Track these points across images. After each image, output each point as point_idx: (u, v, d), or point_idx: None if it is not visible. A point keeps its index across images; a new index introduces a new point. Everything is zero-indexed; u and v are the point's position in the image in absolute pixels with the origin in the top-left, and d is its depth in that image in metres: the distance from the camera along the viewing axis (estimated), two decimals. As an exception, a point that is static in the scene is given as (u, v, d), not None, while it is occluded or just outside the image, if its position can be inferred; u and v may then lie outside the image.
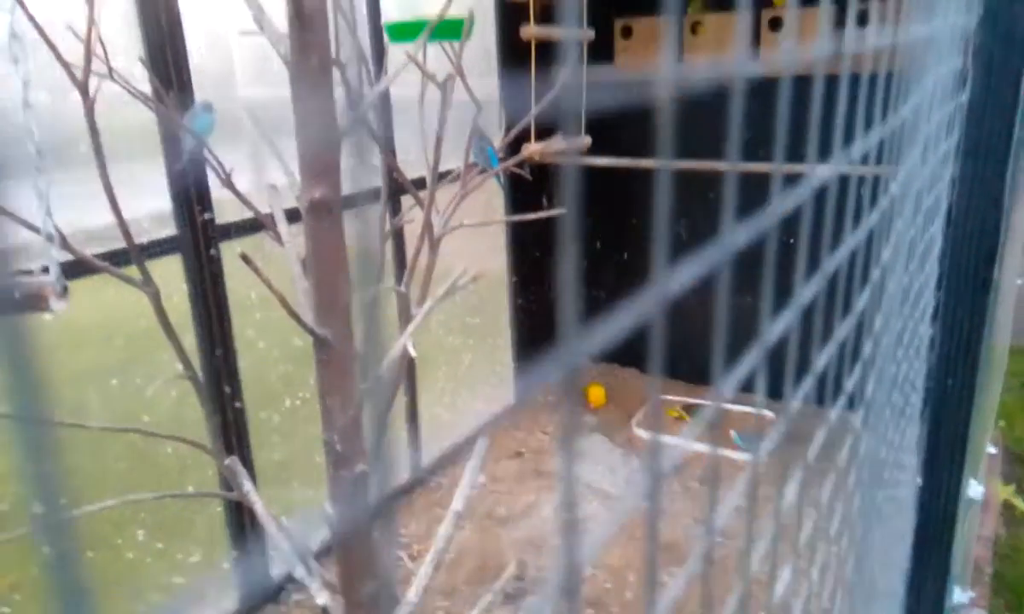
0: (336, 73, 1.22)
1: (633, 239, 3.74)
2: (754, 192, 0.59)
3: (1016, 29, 0.90)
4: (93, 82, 1.13)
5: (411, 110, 1.62)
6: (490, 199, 3.15)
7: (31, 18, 0.79)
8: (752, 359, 0.33)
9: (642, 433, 3.23)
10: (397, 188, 2.40)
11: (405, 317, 1.65)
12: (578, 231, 0.21)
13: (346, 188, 1.15)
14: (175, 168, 1.84)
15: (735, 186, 0.31)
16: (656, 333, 0.25)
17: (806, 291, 0.39)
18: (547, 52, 2.94)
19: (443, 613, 2.31)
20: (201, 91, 1.91)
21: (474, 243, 3.18)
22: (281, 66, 1.12)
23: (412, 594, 1.43)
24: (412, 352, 1.45)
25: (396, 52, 1.84)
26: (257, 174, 2.54)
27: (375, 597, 1.30)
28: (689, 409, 3.29)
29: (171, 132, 1.76)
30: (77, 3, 1.23)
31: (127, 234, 1.19)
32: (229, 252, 2.06)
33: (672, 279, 0.25)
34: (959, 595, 1.32)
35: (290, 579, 2.31)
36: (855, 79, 0.46)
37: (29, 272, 1.60)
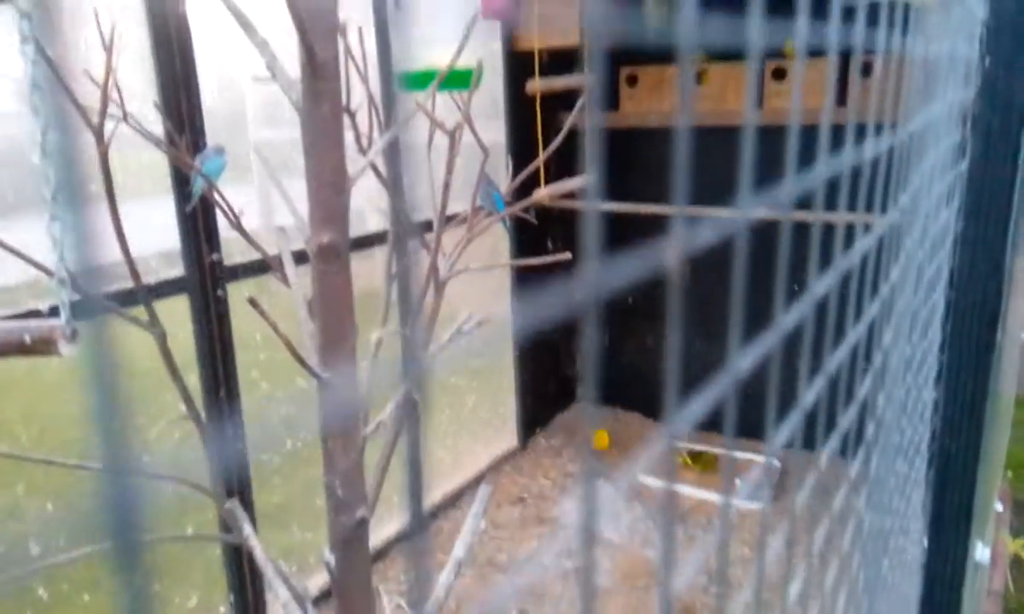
0: (346, 118, 1.24)
1: (637, 283, 3.74)
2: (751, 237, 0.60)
3: (1014, 99, 0.92)
4: (108, 126, 1.15)
5: (420, 152, 1.64)
6: (496, 242, 3.17)
7: (53, 70, 0.81)
8: (724, 400, 0.33)
9: (646, 479, 3.20)
10: (403, 230, 2.42)
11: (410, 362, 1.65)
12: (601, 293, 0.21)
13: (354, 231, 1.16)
14: (185, 210, 1.85)
15: (746, 234, 0.31)
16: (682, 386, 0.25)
17: (809, 392, 0.39)
18: (552, 100, 2.99)
19: (442, 663, 2.27)
20: (212, 133, 1.94)
21: (479, 285, 3.20)
22: (292, 109, 1.14)
23: (412, 644, 1.40)
24: (416, 396, 1.44)
25: (405, 98, 1.87)
26: (265, 215, 2.57)
27: (374, 647, 1.28)
28: (694, 456, 3.26)
29: (182, 174, 1.78)
30: (94, 44, 1.26)
31: (136, 275, 1.20)
32: (236, 292, 2.07)
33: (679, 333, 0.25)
34: (970, 655, 1.29)
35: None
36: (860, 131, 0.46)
37: (38, 313, 1.61)
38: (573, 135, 1.97)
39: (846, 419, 0.47)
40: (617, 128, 3.33)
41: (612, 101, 3.35)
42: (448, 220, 1.64)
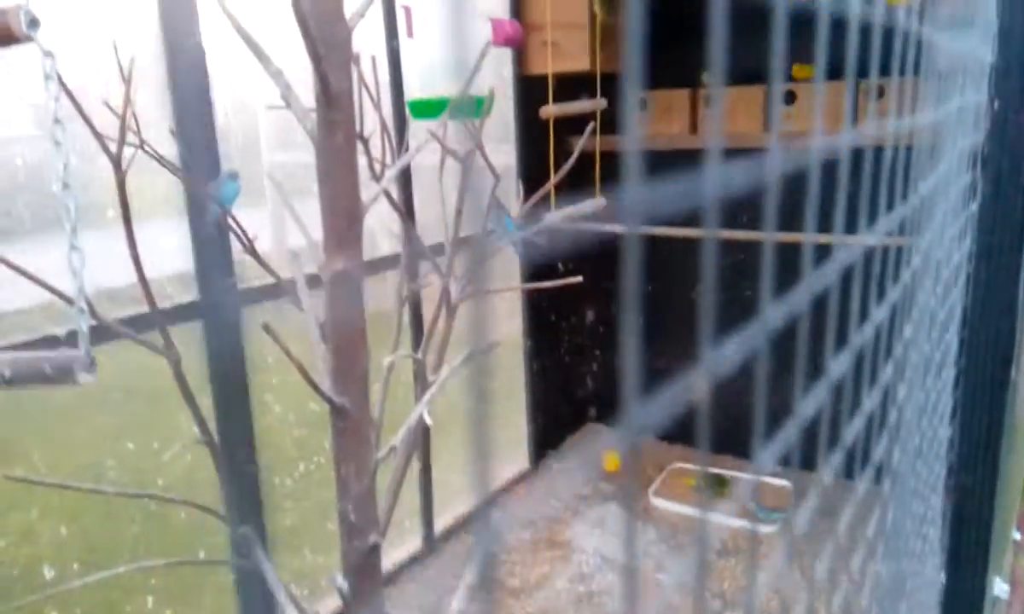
0: (359, 144, 1.25)
1: (650, 305, 3.74)
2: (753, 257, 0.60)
3: (1023, 141, 0.92)
4: (125, 153, 1.17)
5: (431, 175, 1.66)
6: (506, 264, 3.18)
7: (76, 106, 0.83)
8: (779, 430, 0.33)
9: (659, 502, 3.17)
10: (415, 254, 2.43)
11: (422, 384, 1.66)
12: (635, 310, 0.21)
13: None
14: (199, 235, 1.88)
15: (767, 255, 0.31)
16: (703, 410, 0.25)
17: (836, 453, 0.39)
18: (562, 123, 3.00)
19: (454, 689, 2.25)
20: (226, 155, 1.96)
21: (490, 306, 3.20)
22: (305, 134, 1.15)
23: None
24: (428, 421, 1.45)
25: (418, 123, 1.89)
26: (278, 236, 2.59)
27: (386, 674, 1.28)
28: (707, 479, 3.23)
29: (197, 200, 1.80)
30: (111, 69, 1.29)
31: (151, 302, 1.21)
32: (249, 316, 2.08)
33: (716, 355, 0.25)
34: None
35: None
36: (877, 157, 0.47)
37: (56, 339, 1.63)
38: (582, 158, 1.98)
39: (861, 482, 0.47)
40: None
41: (621, 125, 3.36)
42: (460, 242, 1.65)
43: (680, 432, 3.66)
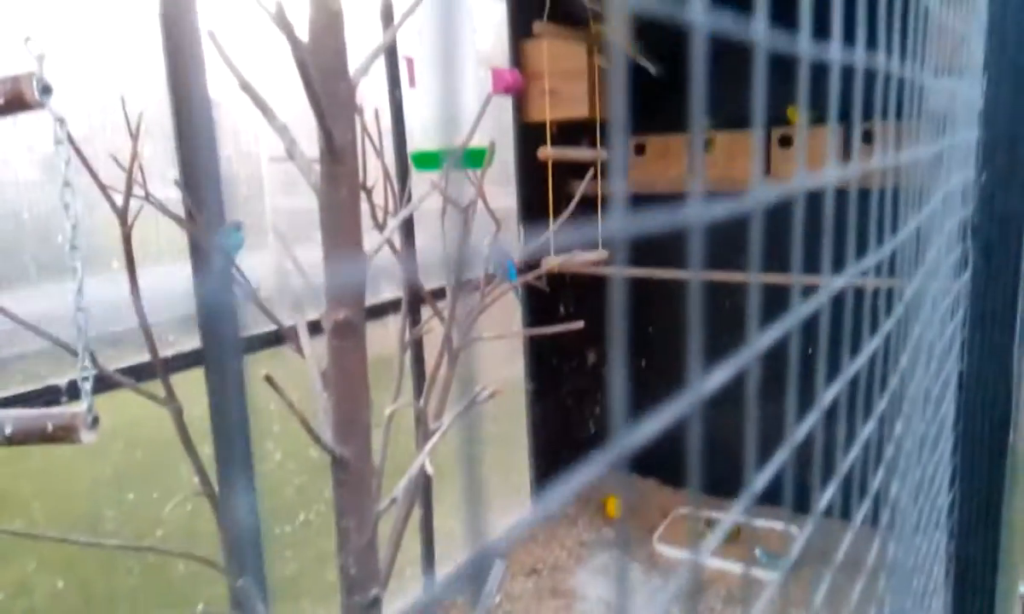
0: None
1: (650, 347, 3.74)
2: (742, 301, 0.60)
3: (1011, 211, 0.94)
4: (130, 206, 1.19)
5: (433, 218, 1.67)
6: (508, 308, 3.19)
7: (83, 160, 0.84)
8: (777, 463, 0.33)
9: (664, 549, 3.13)
10: (417, 299, 2.44)
11: (423, 431, 1.65)
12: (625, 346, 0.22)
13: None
14: (203, 284, 1.88)
15: (757, 295, 0.32)
16: (693, 445, 0.25)
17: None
18: (562, 168, 3.04)
19: None
20: (230, 201, 1.98)
21: (491, 350, 3.20)
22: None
23: None
24: (430, 470, 1.44)
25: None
26: (280, 280, 2.60)
27: None
28: (712, 524, 3.19)
29: (200, 249, 1.82)
30: (118, 117, 1.31)
31: (155, 354, 1.21)
32: (251, 363, 2.08)
33: (703, 385, 0.26)
34: None
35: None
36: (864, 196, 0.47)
37: (57, 389, 1.63)
38: (582, 202, 2.00)
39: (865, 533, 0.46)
40: (632, 194, 3.38)
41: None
42: (462, 286, 1.65)
43: (684, 476, 3.62)
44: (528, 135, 3.13)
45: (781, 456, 0.34)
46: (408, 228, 2.55)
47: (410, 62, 1.92)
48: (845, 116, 0.52)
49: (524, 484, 3.48)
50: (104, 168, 1.21)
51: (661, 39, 2.92)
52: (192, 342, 1.94)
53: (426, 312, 2.34)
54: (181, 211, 1.49)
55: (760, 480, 0.32)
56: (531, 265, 2.23)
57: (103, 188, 1.14)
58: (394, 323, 2.60)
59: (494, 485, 3.32)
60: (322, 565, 2.40)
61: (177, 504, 1.92)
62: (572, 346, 3.69)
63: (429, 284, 2.51)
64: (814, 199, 0.41)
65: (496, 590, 1.47)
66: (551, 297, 3.15)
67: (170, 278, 1.99)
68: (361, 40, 1.27)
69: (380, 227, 1.49)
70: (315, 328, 1.54)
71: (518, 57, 3.08)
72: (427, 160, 1.53)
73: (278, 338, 1.98)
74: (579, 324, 1.88)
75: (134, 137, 1.09)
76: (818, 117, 2.93)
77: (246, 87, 1.15)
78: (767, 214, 0.37)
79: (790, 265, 0.39)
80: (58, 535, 1.28)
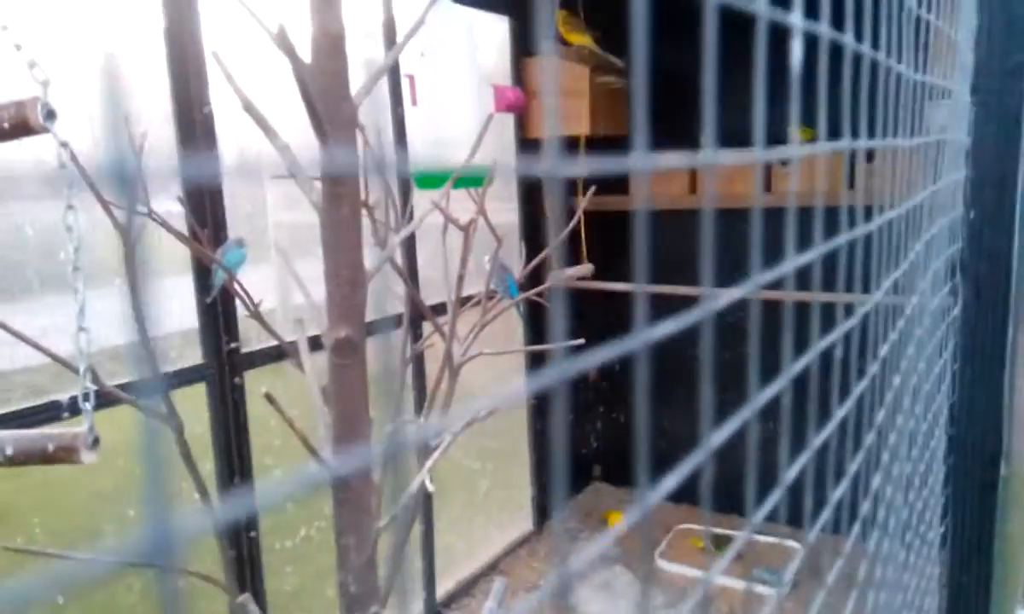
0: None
1: (652, 361, 3.74)
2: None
3: (999, 248, 0.95)
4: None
5: (434, 233, 1.67)
6: (509, 323, 3.19)
7: (86, 177, 0.85)
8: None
9: (666, 565, 3.11)
10: (418, 315, 2.45)
11: (424, 449, 1.65)
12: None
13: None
14: (206, 300, 1.89)
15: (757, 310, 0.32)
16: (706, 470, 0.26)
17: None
18: (564, 185, 3.04)
19: None
20: (232, 212, 1.98)
21: (493, 364, 3.20)
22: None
23: None
24: (430, 487, 1.43)
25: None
26: (283, 295, 2.61)
27: None
28: (715, 540, 3.18)
29: (203, 264, 1.83)
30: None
31: (156, 371, 1.22)
32: (252, 379, 2.08)
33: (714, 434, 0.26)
34: None
35: None
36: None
37: (58, 404, 1.64)
38: (583, 218, 2.01)
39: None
40: (627, 210, 3.39)
41: (622, 185, 3.42)
42: (463, 302, 1.66)
43: (685, 492, 3.61)
44: (529, 152, 3.15)
45: (776, 495, 0.34)
46: (409, 241, 2.56)
47: (412, 80, 1.94)
48: (844, 136, 0.53)
49: (525, 500, 3.47)
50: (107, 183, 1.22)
51: (661, 58, 2.94)
52: (193, 358, 1.95)
53: (427, 328, 2.34)
54: (183, 227, 1.50)
55: (760, 514, 0.32)
56: (531, 280, 2.23)
57: (106, 206, 1.14)
58: (395, 338, 2.60)
59: (495, 500, 3.31)
60: (322, 581, 2.39)
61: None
62: (573, 361, 3.68)
63: (431, 299, 2.52)
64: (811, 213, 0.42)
65: (498, 607, 1.46)
66: (551, 313, 3.15)
67: (172, 293, 2.00)
68: (362, 57, 1.29)
69: (382, 244, 1.50)
70: (316, 344, 1.54)
71: (520, 75, 3.10)
72: (429, 179, 1.54)
73: (279, 354, 1.99)
74: (579, 341, 1.88)
75: (138, 156, 1.10)
76: (818, 136, 2.95)
77: (249, 107, 1.16)
78: (767, 231, 0.38)
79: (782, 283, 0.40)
80: (57, 551, 1.28)
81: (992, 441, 0.96)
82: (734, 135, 3.24)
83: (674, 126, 3.06)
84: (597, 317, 3.74)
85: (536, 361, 3.43)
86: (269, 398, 1.08)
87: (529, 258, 1.88)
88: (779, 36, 0.41)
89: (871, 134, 0.52)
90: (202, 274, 1.88)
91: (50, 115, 0.59)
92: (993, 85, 0.95)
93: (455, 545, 3.04)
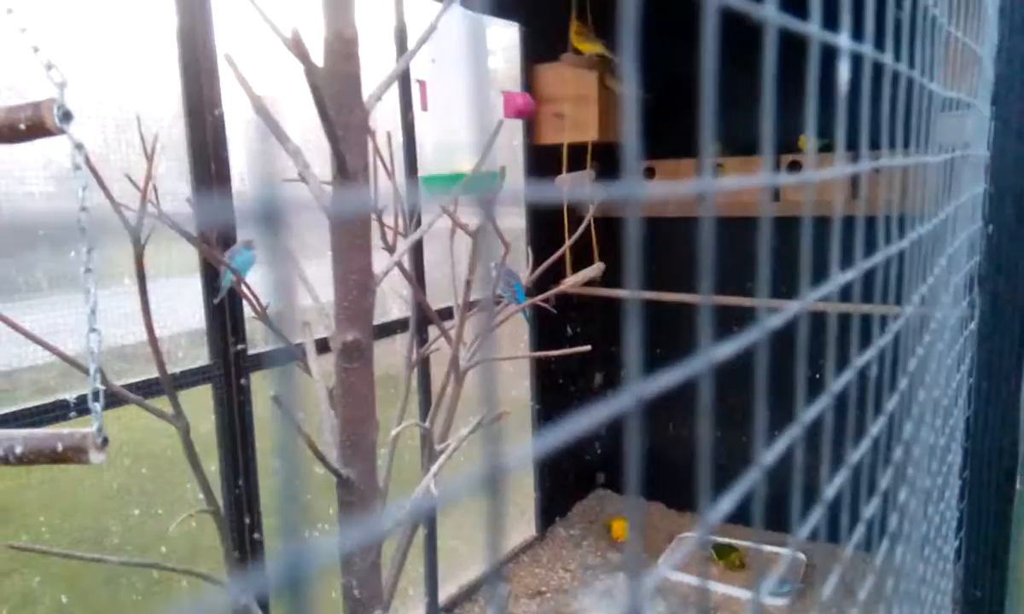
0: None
1: (658, 368, 3.73)
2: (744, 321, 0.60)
3: (1018, 262, 0.94)
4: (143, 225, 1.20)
5: (442, 237, 1.68)
6: (516, 328, 3.19)
7: (99, 180, 0.85)
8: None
9: (671, 574, 3.10)
10: (424, 319, 2.45)
11: (429, 451, 1.65)
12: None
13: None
14: (213, 302, 1.90)
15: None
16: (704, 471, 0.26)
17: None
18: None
19: None
20: (239, 215, 1.98)
21: (499, 369, 3.20)
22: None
23: None
24: (436, 492, 1.43)
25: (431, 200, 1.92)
26: (289, 302, 2.61)
27: None
28: (718, 549, 3.17)
29: (211, 266, 1.83)
30: (132, 132, 1.32)
31: (163, 370, 1.22)
32: (258, 380, 2.09)
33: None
34: None
35: None
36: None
37: (65, 404, 1.64)
38: (590, 224, 2.01)
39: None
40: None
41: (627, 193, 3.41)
42: (469, 306, 1.66)
43: (689, 500, 3.60)
44: (538, 158, 3.15)
45: (816, 512, 0.34)
46: (417, 245, 2.56)
47: (422, 85, 1.94)
48: (853, 146, 0.53)
49: (529, 505, 3.46)
50: (118, 184, 1.22)
51: (672, 63, 2.95)
52: (200, 359, 1.96)
53: (434, 332, 2.34)
54: (193, 228, 1.51)
55: (803, 530, 0.32)
56: (538, 286, 2.23)
57: (117, 208, 1.15)
58: (402, 341, 2.60)
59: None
60: (325, 583, 2.39)
61: (182, 522, 1.93)
62: (579, 367, 3.68)
63: (437, 302, 2.52)
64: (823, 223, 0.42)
65: (500, 613, 1.46)
66: (558, 318, 3.15)
67: (180, 294, 2.00)
68: (374, 63, 1.29)
69: (390, 249, 1.50)
70: (323, 346, 1.54)
71: (529, 81, 3.11)
72: (438, 184, 1.54)
73: (286, 356, 1.99)
74: (586, 348, 1.89)
75: (149, 158, 1.10)
76: (826, 145, 2.94)
77: (260, 109, 1.17)
78: (777, 239, 0.37)
79: (793, 290, 0.40)
80: (63, 550, 1.28)
81: (1008, 455, 0.95)
82: (743, 142, 3.20)
83: (681, 128, 3.06)
84: (604, 323, 3.74)
85: (541, 366, 3.42)
86: (276, 401, 1.08)
87: (536, 264, 1.88)
88: (794, 44, 0.41)
89: (893, 146, 0.52)
90: (210, 276, 1.88)
91: (66, 117, 0.59)
92: (1013, 98, 0.94)
93: (458, 549, 3.04)
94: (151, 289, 1.26)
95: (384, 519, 1.30)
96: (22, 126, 0.59)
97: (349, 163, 1.02)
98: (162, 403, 1.37)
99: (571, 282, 2.70)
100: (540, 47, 3.09)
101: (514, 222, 3.19)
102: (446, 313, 2.37)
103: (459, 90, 1.60)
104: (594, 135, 3.03)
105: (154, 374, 1.66)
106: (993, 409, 0.95)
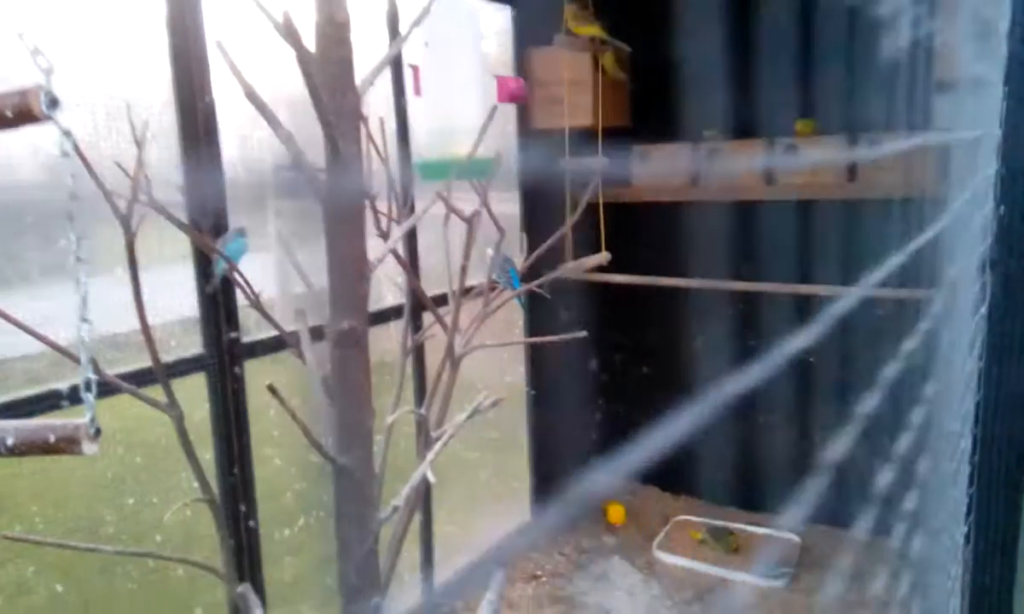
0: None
1: (652, 354, 3.74)
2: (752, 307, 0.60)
3: None
4: (134, 214, 1.18)
5: (436, 223, 1.67)
6: (510, 314, 3.19)
7: (89, 168, 0.84)
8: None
9: (663, 556, 3.12)
10: (419, 305, 2.44)
11: (425, 438, 1.65)
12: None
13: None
14: (206, 290, 1.89)
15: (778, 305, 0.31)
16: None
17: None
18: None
19: None
20: (233, 200, 1.96)
21: (493, 354, 3.19)
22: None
23: None
24: (432, 479, 1.43)
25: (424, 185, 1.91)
26: (282, 283, 2.60)
27: None
28: (713, 532, 3.19)
29: (204, 254, 1.82)
30: (122, 119, 1.30)
31: (156, 361, 1.21)
32: (252, 368, 2.08)
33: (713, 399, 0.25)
34: None
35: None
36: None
37: (58, 394, 1.63)
38: (586, 210, 2.00)
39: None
40: (630, 203, 3.38)
41: (626, 177, 3.40)
42: (464, 292, 1.65)
43: (684, 483, 3.61)
44: (531, 143, 3.13)
45: (872, 508, 0.34)
46: (411, 232, 2.55)
47: (416, 70, 1.92)
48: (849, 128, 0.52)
49: (524, 490, 3.47)
50: (108, 172, 1.21)
51: (664, 47, 2.93)
52: (194, 347, 1.94)
53: (429, 318, 2.34)
54: (184, 216, 1.49)
55: (861, 526, 0.31)
56: (532, 271, 2.22)
57: (108, 195, 1.14)
58: (396, 328, 2.60)
59: (495, 490, 3.31)
60: (321, 570, 2.40)
61: (176, 510, 1.92)
62: (573, 353, 3.68)
63: (432, 289, 2.51)
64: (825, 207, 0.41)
65: (496, 597, 1.46)
66: (552, 303, 3.15)
67: (172, 282, 1.99)
68: (366, 48, 1.28)
69: (384, 236, 1.49)
70: (317, 335, 1.53)
71: (522, 65, 3.09)
72: (433, 170, 1.53)
73: (280, 343, 1.98)
74: (582, 333, 1.89)
75: (140, 146, 1.09)
76: (821, 129, 2.93)
77: (251, 95, 1.15)
78: (772, 223, 0.37)
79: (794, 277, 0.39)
80: (57, 540, 1.28)
81: (1018, 440, 0.95)
82: (739, 126, 3.17)
83: (676, 113, 3.06)
84: (599, 308, 3.73)
85: (535, 351, 3.42)
86: (272, 390, 1.08)
87: (531, 249, 1.87)
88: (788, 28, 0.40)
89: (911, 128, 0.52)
90: (203, 263, 1.87)
91: (53, 104, 0.58)
92: (1027, 75, 0.93)
93: (453, 534, 3.05)
94: (143, 277, 1.25)
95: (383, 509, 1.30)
96: (8, 113, 0.57)
97: (342, 148, 1.01)
98: (155, 392, 1.36)
99: (574, 267, 2.69)
100: (533, 30, 3.06)
101: (508, 208, 3.17)
102: (440, 299, 2.36)
103: (453, 74, 1.59)
104: (588, 120, 3.01)
105: (147, 363, 1.65)
106: (1003, 394, 0.95)
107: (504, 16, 3.06)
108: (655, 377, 3.74)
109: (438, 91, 1.78)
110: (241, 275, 1.51)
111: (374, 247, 1.28)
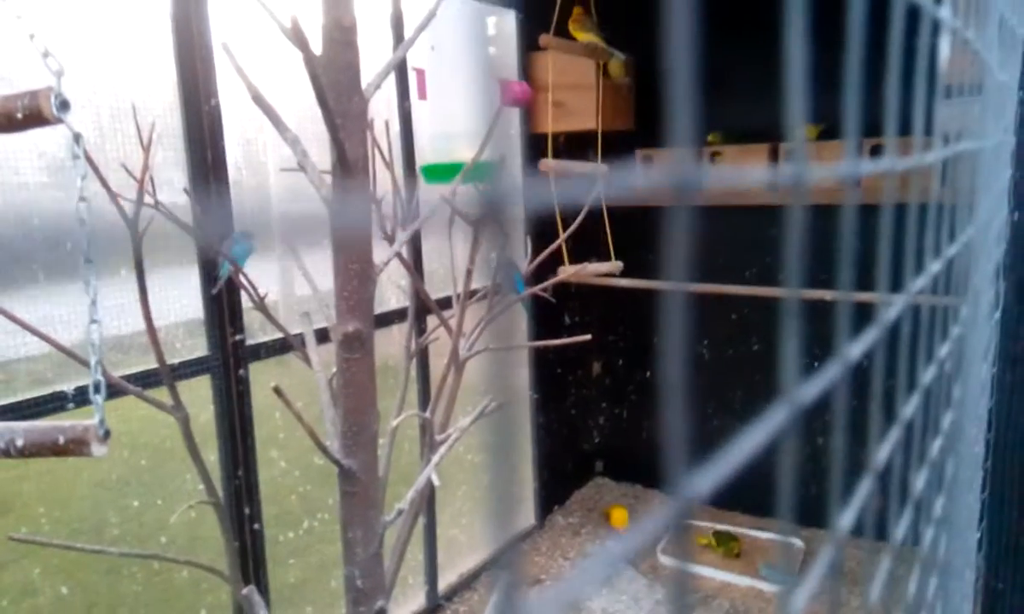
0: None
1: (655, 358, 3.74)
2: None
3: None
4: (141, 217, 1.19)
5: (440, 226, 1.67)
6: (514, 317, 3.19)
7: (96, 171, 0.85)
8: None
9: (667, 560, 3.12)
10: (423, 309, 2.44)
11: (429, 441, 1.65)
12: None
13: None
14: (211, 292, 1.89)
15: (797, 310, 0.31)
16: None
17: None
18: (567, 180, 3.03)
19: None
20: (238, 204, 1.97)
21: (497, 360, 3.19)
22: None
23: None
24: (436, 482, 1.43)
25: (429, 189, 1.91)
26: (287, 286, 2.61)
27: None
28: (719, 536, 3.18)
29: (208, 256, 1.82)
30: (128, 122, 1.30)
31: (162, 363, 1.22)
32: (257, 371, 2.08)
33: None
34: None
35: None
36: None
37: (63, 395, 1.63)
38: (588, 214, 2.01)
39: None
40: (634, 206, 3.38)
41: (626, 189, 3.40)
42: (469, 296, 1.65)
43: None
44: (536, 147, 3.14)
45: (907, 515, 0.34)
46: (415, 238, 2.55)
47: (420, 74, 1.93)
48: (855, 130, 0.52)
49: (528, 494, 3.47)
50: (114, 174, 1.21)
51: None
52: (199, 349, 1.95)
53: (432, 321, 2.34)
54: (189, 218, 1.50)
55: (899, 535, 0.31)
56: (539, 276, 2.22)
57: (114, 198, 1.14)
58: (400, 331, 2.60)
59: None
60: (325, 573, 2.40)
61: (181, 512, 1.93)
62: (577, 357, 3.69)
63: (436, 292, 2.52)
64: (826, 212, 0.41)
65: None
66: (557, 307, 3.15)
67: (178, 284, 1.99)
68: (372, 51, 1.28)
69: (389, 239, 1.49)
70: (322, 336, 1.54)
71: (526, 69, 3.09)
72: (437, 173, 1.53)
73: (284, 346, 1.99)
74: (586, 337, 1.89)
75: (146, 149, 1.09)
76: (826, 131, 2.93)
77: (258, 98, 1.16)
78: (773, 226, 0.37)
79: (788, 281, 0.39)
80: (62, 541, 1.28)
81: (1032, 445, 0.95)
82: (741, 129, 3.17)
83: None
84: (603, 312, 3.73)
85: (539, 355, 3.42)
86: (278, 391, 1.08)
87: (535, 254, 1.87)
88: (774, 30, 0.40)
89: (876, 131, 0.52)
90: (207, 266, 1.87)
91: (64, 106, 0.59)
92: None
93: (457, 537, 3.04)
94: (148, 280, 1.25)
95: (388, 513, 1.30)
96: (19, 115, 0.58)
97: (348, 152, 1.01)
98: (160, 394, 1.36)
99: (591, 271, 2.70)
100: (536, 35, 3.07)
101: (512, 211, 3.17)
102: (445, 303, 2.37)
103: (458, 78, 1.59)
104: (591, 124, 3.02)
105: (152, 365, 1.65)
106: (1016, 400, 0.95)
107: (508, 20, 3.07)
108: (656, 382, 3.73)
109: (442, 95, 1.78)
110: (246, 277, 1.52)
111: (379, 251, 1.29)
